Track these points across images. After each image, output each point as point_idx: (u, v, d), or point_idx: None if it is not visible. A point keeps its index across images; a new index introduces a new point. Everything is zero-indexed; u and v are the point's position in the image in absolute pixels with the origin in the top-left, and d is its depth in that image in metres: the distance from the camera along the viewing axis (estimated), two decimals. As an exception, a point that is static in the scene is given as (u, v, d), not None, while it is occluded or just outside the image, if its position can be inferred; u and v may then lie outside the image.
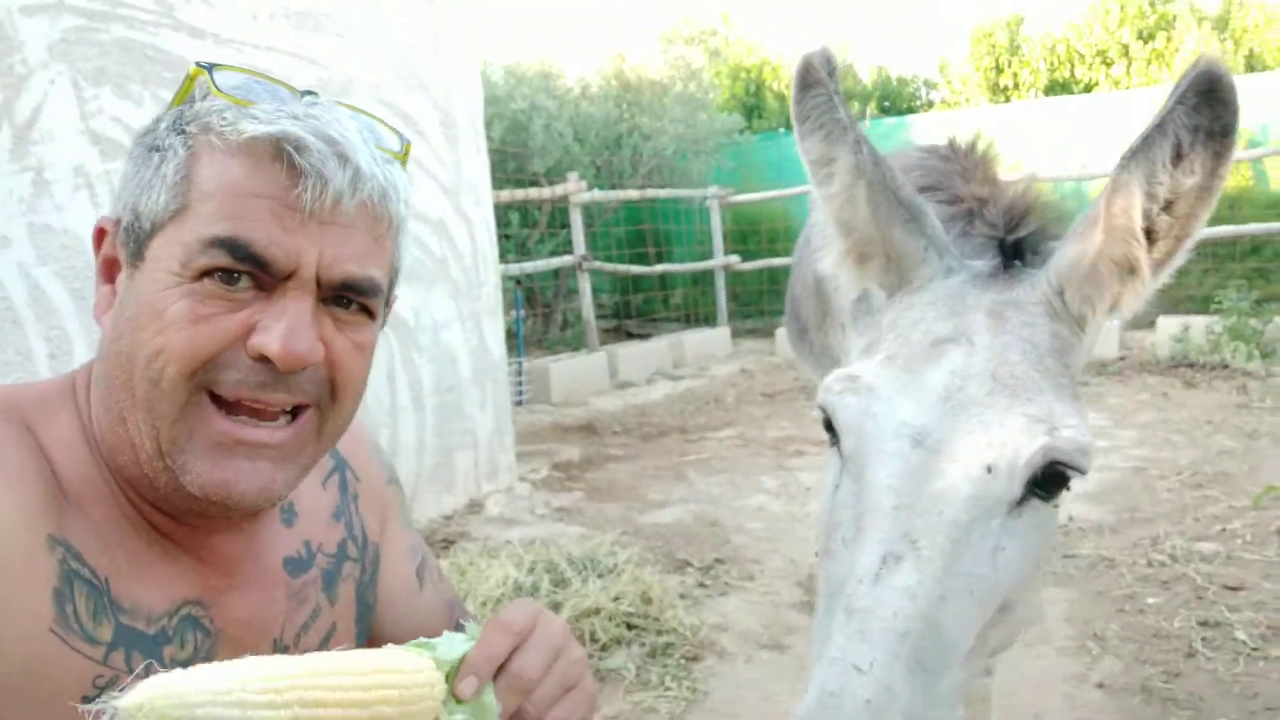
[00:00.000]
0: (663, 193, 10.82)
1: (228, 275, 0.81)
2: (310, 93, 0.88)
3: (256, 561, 0.95)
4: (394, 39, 4.45)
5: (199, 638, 0.88)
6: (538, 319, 10.74)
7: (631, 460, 6.05)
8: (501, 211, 9.66)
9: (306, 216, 0.82)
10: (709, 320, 11.24)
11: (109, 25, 3.21)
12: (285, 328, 0.81)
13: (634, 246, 11.77)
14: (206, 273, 0.81)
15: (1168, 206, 1.10)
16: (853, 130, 1.22)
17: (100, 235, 0.90)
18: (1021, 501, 1.08)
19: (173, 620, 0.86)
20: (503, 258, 9.03)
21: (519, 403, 7.66)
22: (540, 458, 6.02)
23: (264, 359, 0.81)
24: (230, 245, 0.80)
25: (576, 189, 8.93)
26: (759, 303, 11.83)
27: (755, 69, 17.47)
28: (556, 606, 3.35)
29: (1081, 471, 1.09)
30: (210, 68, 0.85)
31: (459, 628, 0.84)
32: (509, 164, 10.16)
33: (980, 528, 1.06)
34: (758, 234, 12.05)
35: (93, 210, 3.13)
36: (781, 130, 14.81)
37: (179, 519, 0.89)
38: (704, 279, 11.61)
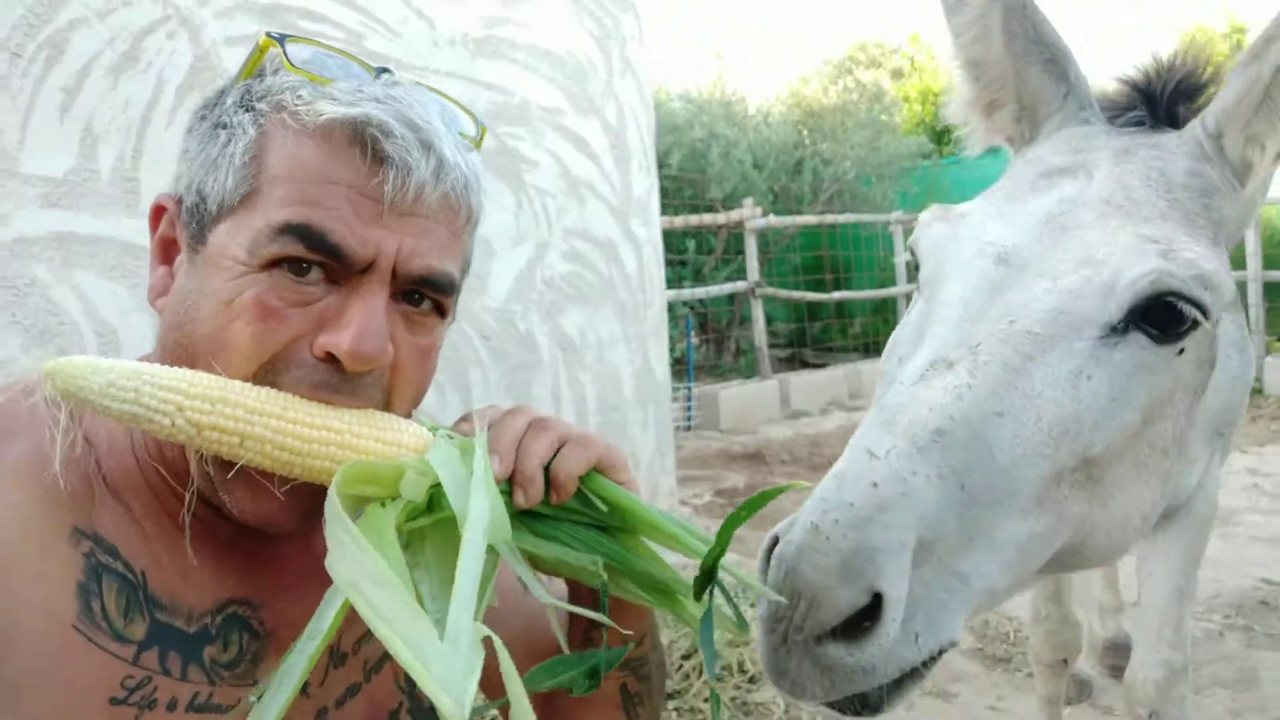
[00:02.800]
0: (842, 218, 10.56)
1: (298, 266, 0.76)
2: (386, 70, 0.83)
3: (315, 563, 0.86)
4: (569, 65, 4.56)
5: (245, 639, 0.82)
6: (710, 345, 10.70)
7: (798, 491, 5.85)
8: (677, 238, 9.73)
9: (386, 207, 0.76)
10: (889, 350, 10.82)
11: (304, 56, 3.45)
12: (358, 326, 0.75)
13: (812, 274, 11.54)
14: (275, 262, 0.75)
15: None
16: None
17: (158, 214, 0.85)
18: (1121, 330, 0.92)
19: (216, 619, 0.81)
20: (677, 283, 9.09)
21: (687, 428, 7.62)
22: (704, 483, 5.94)
23: (330, 358, 0.76)
24: (304, 232, 0.75)
25: (751, 214, 8.86)
26: (943, 333, 11.27)
27: (945, 90, 16.88)
28: (706, 632, 3.25)
29: (1201, 308, 0.92)
30: (281, 39, 0.79)
31: None
32: (686, 191, 10.24)
33: (1061, 346, 0.91)
34: (943, 262, 11.53)
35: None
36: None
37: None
38: (885, 307, 11.21)
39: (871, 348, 11.35)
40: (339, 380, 0.76)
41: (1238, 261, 8.32)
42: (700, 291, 8.86)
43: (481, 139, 0.88)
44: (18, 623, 0.70)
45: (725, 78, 12.72)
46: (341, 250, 0.75)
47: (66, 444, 0.74)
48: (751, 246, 8.85)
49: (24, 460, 0.75)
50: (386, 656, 0.92)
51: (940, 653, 0.88)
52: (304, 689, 0.84)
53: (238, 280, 0.75)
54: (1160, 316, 0.93)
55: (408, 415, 0.85)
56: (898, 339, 1.03)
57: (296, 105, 0.76)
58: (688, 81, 12.07)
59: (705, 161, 10.30)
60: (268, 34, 0.79)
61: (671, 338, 8.18)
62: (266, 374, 0.75)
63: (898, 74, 16.95)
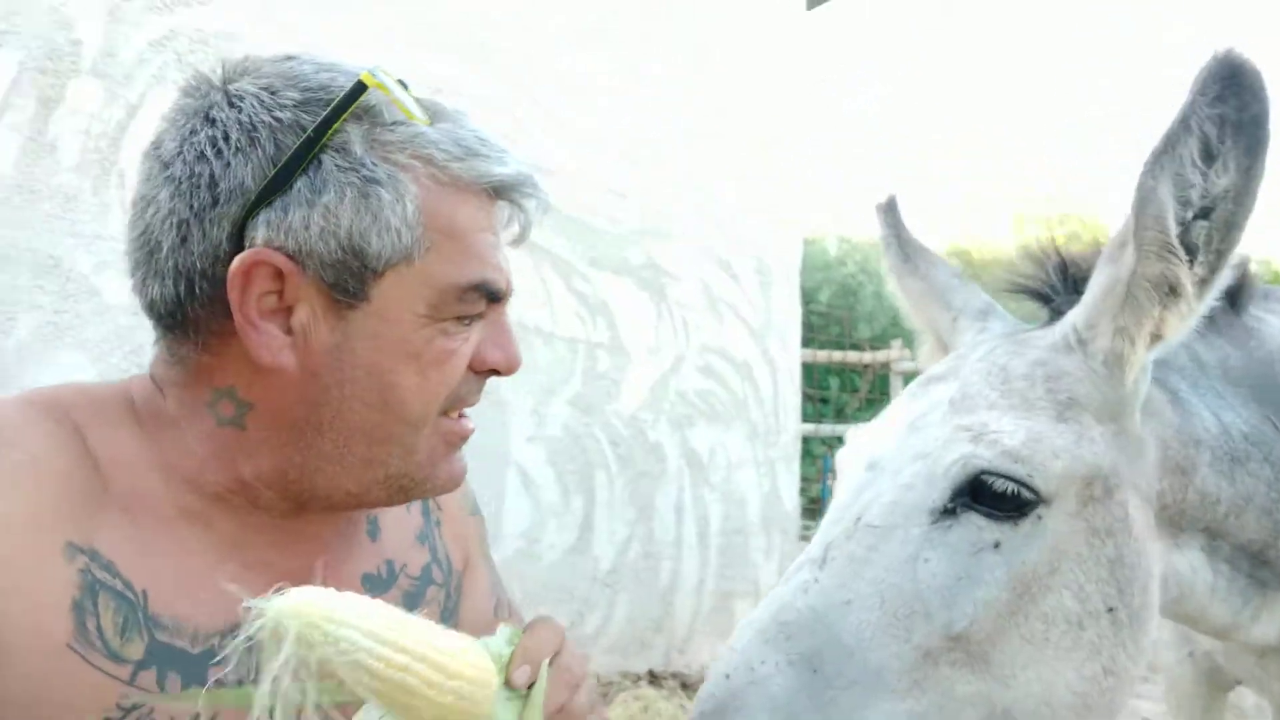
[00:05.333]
0: (996, 370, 10.23)
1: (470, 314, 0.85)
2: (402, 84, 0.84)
3: (333, 577, 0.85)
4: (717, 188, 4.72)
5: (255, 657, 0.79)
6: (849, 488, 10.40)
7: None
8: (820, 374, 9.65)
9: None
10: (1041, 512, 10.19)
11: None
12: (511, 343, 0.88)
13: (961, 425, 11.13)
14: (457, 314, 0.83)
15: (1204, 214, 1.01)
16: (894, 242, 1.38)
17: (252, 270, 0.77)
18: (952, 513, 1.00)
19: (224, 640, 0.78)
20: (817, 420, 8.95)
21: (816, 567, 7.32)
22: (828, 624, 5.65)
23: (488, 371, 0.87)
24: (486, 290, 0.83)
25: (899, 356, 8.69)
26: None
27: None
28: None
29: (1019, 481, 0.99)
30: (379, 76, 0.79)
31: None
32: (833, 328, 10.19)
33: (899, 534, 0.99)
34: (1106, 424, 10.88)
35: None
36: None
37: (255, 530, 0.83)
38: (1038, 467, 10.64)
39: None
40: (481, 385, 0.89)
41: None
42: (842, 429, 8.68)
43: None
44: (9, 641, 0.70)
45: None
46: (503, 295, 0.86)
47: (65, 456, 0.76)
48: (897, 389, 8.65)
49: (17, 472, 0.74)
50: None
51: None
52: None
53: (421, 331, 0.81)
54: (987, 496, 1.00)
55: None
56: None
57: (447, 161, 0.80)
58: (844, 221, 12.21)
59: (855, 299, 10.29)
60: (369, 72, 0.79)
61: (809, 476, 7.99)
62: (445, 401, 0.85)
63: (1074, 236, 16.62)
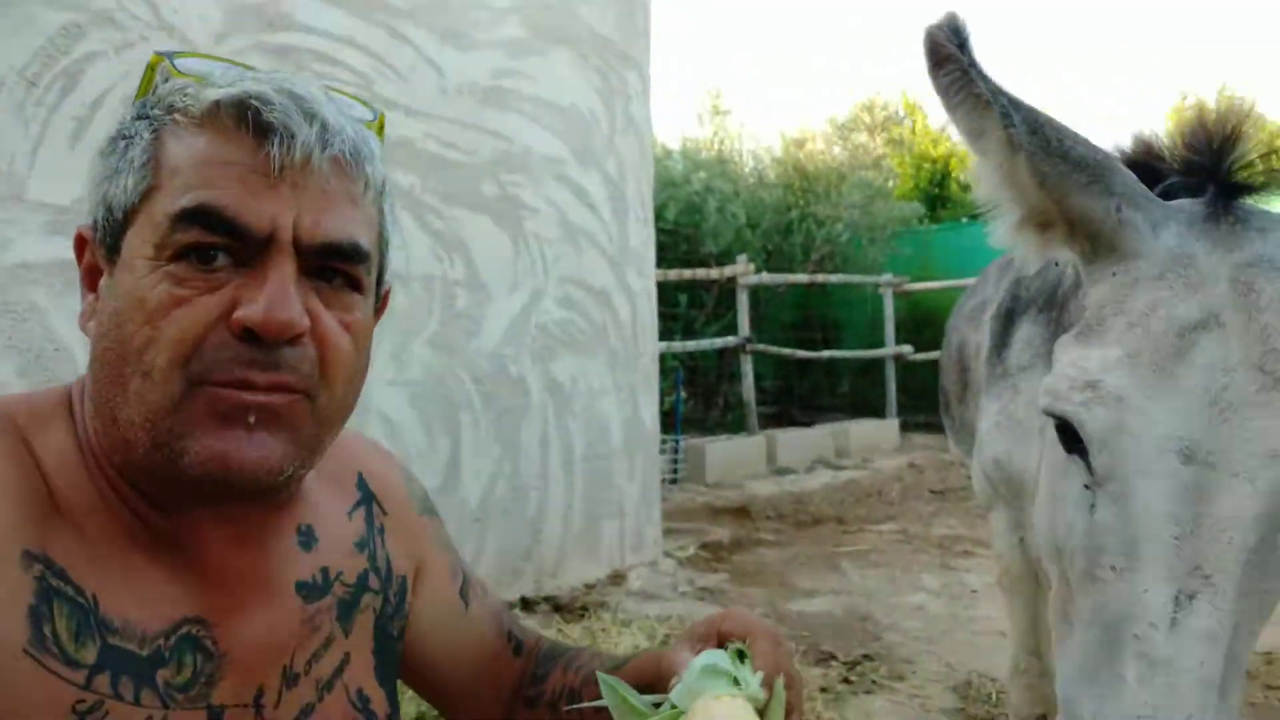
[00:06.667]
0: (833, 278, 10.68)
1: (203, 254, 0.77)
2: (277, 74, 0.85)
3: (267, 582, 0.88)
4: (573, 118, 4.65)
5: (199, 660, 0.81)
6: (699, 400, 10.73)
7: (783, 547, 5.85)
8: (670, 292, 9.82)
9: (277, 177, 0.77)
10: (877, 411, 10.86)
11: (314, 97, 3.50)
12: (267, 295, 0.76)
13: (802, 332, 11.63)
14: (181, 254, 0.77)
15: None
16: (998, 102, 1.09)
17: (81, 244, 0.85)
18: None
19: (170, 640, 0.80)
20: (668, 337, 9.16)
21: (673, 481, 7.61)
22: (689, 536, 5.91)
23: (250, 335, 0.76)
24: (200, 215, 0.76)
25: (744, 271, 8.95)
26: (932, 395, 11.33)
27: (941, 159, 17.19)
28: (686, 686, 3.23)
29: None
30: (170, 55, 0.83)
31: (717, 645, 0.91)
32: (681, 245, 10.35)
33: (1268, 543, 0.94)
34: (933, 325, 11.63)
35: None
36: (965, 220, 14.40)
37: (184, 528, 0.83)
38: (874, 368, 11.29)
39: (859, 408, 11.40)
40: (263, 356, 0.77)
41: None
42: (691, 345, 8.92)
43: (380, 125, 0.91)
44: None
45: (724, 132, 12.94)
46: (237, 224, 0.76)
47: (15, 466, 0.76)
48: (743, 303, 8.92)
49: None
50: (338, 674, 0.92)
51: None
52: (258, 711, 0.84)
53: (148, 277, 0.77)
54: None
55: (348, 393, 0.86)
56: (1099, 542, 1.03)
57: (185, 102, 0.79)
58: (685, 133, 12.25)
59: (700, 216, 10.44)
60: (156, 52, 0.83)
61: (661, 390, 8.22)
62: (191, 365, 0.76)
63: (896, 143, 17.23)
